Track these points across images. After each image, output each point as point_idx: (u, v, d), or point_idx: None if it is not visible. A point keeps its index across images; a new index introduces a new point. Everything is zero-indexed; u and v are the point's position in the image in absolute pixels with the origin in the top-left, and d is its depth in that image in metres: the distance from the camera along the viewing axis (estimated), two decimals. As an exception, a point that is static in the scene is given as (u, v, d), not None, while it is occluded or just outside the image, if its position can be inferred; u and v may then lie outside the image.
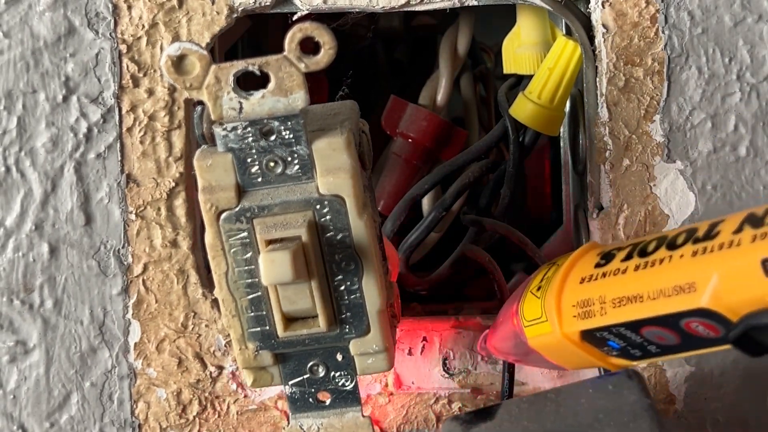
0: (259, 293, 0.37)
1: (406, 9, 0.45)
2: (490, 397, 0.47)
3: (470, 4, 0.45)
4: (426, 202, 0.54)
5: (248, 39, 0.58)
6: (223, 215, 0.36)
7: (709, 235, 0.31)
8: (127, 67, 0.45)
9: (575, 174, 0.53)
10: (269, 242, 0.35)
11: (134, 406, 0.47)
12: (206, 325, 0.46)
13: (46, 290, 0.46)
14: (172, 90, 0.45)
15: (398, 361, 0.47)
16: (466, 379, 0.47)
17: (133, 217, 0.46)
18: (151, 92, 0.45)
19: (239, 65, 0.34)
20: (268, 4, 0.45)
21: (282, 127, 0.35)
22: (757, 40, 0.44)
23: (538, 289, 0.38)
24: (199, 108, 0.36)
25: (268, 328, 0.37)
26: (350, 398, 0.39)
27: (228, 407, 0.47)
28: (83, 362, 0.47)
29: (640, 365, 0.37)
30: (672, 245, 0.33)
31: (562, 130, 0.55)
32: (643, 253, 0.34)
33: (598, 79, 0.45)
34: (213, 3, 0.45)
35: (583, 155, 0.49)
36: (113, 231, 0.46)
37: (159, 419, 0.47)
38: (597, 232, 0.46)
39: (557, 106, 0.49)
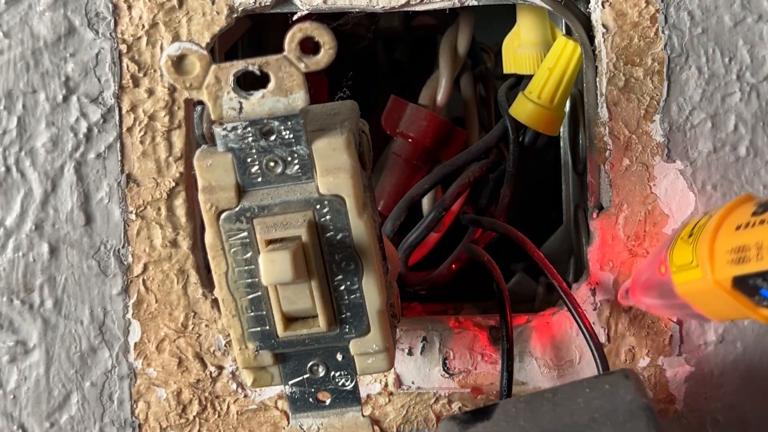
0: (259, 293, 0.37)
1: (406, 9, 0.45)
2: (490, 397, 0.47)
3: (470, 4, 0.45)
4: (426, 202, 0.54)
5: (248, 39, 0.58)
6: (223, 215, 0.36)
7: None
8: (127, 67, 0.45)
9: (575, 174, 0.53)
10: (269, 242, 0.35)
11: (134, 406, 0.47)
12: (206, 325, 0.46)
13: (46, 290, 0.46)
14: (172, 90, 0.45)
15: (398, 361, 0.47)
16: (466, 379, 0.47)
17: (133, 217, 0.46)
18: (151, 92, 0.45)
19: (239, 65, 0.34)
20: (268, 4, 0.45)
21: (282, 127, 0.35)
22: (757, 40, 0.44)
23: (690, 236, 0.37)
24: (199, 108, 0.36)
25: (268, 328, 0.37)
26: (350, 398, 0.39)
27: (228, 407, 0.47)
28: (83, 362, 0.47)
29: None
30: None
31: (562, 130, 0.55)
32: None
33: (598, 79, 0.45)
34: (213, 3, 0.45)
35: (583, 155, 0.49)
36: (113, 231, 0.46)
37: (159, 419, 0.47)
38: (597, 232, 0.46)
39: (557, 106, 0.49)
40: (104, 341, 0.47)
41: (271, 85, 0.34)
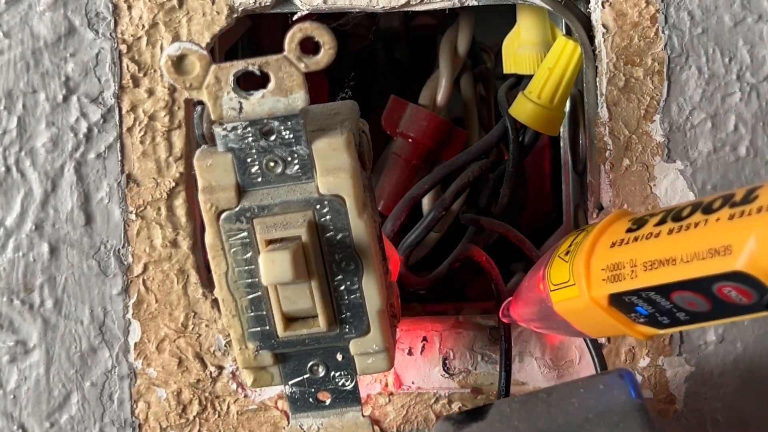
0: (259, 293, 0.37)
1: (406, 9, 0.45)
2: (490, 397, 0.47)
3: (470, 4, 0.45)
4: (426, 202, 0.54)
5: (248, 39, 0.58)
6: (223, 215, 0.36)
7: (747, 199, 0.31)
8: (127, 67, 0.45)
9: (575, 174, 0.53)
10: (269, 242, 0.35)
11: (134, 406, 0.47)
12: (206, 325, 0.46)
13: (46, 290, 0.46)
14: (172, 90, 0.45)
15: (398, 361, 0.47)
16: (466, 379, 0.47)
17: (133, 217, 0.46)
18: (151, 92, 0.45)
19: (239, 65, 0.34)
20: (268, 4, 0.45)
21: (282, 127, 0.35)
22: (757, 40, 0.44)
23: (567, 253, 0.37)
24: (199, 108, 0.36)
25: (268, 328, 0.37)
26: (350, 398, 0.39)
27: (228, 407, 0.47)
28: (83, 362, 0.47)
29: (666, 333, 0.36)
30: (708, 209, 0.32)
31: (562, 130, 0.55)
32: (678, 218, 0.33)
33: (598, 79, 0.45)
34: (213, 3, 0.45)
35: (583, 155, 0.49)
36: (113, 231, 0.46)
37: (159, 419, 0.47)
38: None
39: (557, 106, 0.49)
40: (104, 341, 0.47)
41: (271, 85, 0.34)
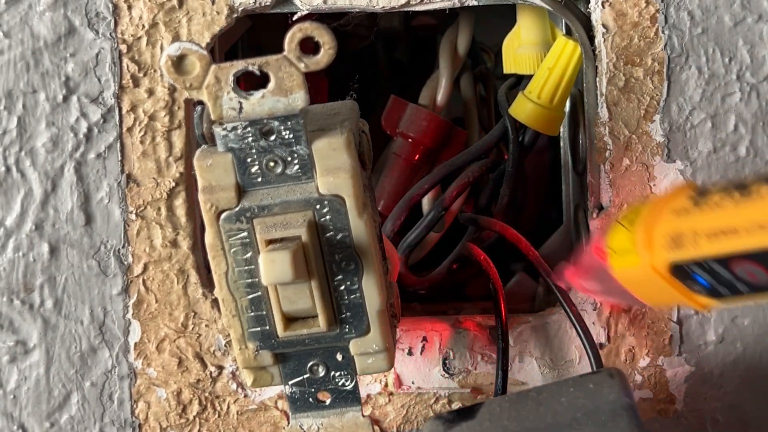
0: (259, 293, 0.37)
1: (406, 9, 0.45)
2: (490, 397, 0.47)
3: (470, 4, 0.45)
4: (426, 202, 0.54)
5: (248, 39, 0.58)
6: (223, 215, 0.36)
7: None
8: (127, 67, 0.45)
9: (575, 174, 0.53)
10: (269, 242, 0.35)
11: (134, 406, 0.47)
12: (206, 325, 0.46)
13: (46, 290, 0.46)
14: (172, 90, 0.45)
15: (398, 361, 0.47)
16: (466, 379, 0.47)
17: (133, 217, 0.46)
18: (151, 92, 0.45)
19: (239, 65, 0.34)
20: (268, 4, 0.45)
21: (282, 127, 0.35)
22: (757, 40, 0.44)
23: (629, 221, 0.37)
24: (199, 108, 0.36)
25: (268, 328, 0.37)
26: (350, 398, 0.39)
27: (228, 407, 0.47)
28: (83, 362, 0.47)
29: (725, 305, 0.35)
30: None
31: (562, 130, 0.55)
32: (741, 187, 0.32)
33: (598, 79, 0.45)
34: (213, 3, 0.45)
35: (583, 155, 0.49)
36: (113, 231, 0.46)
37: (159, 419, 0.47)
38: (597, 232, 0.46)
39: (557, 106, 0.49)
40: (104, 341, 0.47)
41: (271, 85, 0.34)
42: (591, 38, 0.45)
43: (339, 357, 0.38)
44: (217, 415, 0.47)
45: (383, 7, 0.45)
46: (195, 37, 0.45)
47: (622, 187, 0.45)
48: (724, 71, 0.45)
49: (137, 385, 0.47)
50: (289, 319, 0.37)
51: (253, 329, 0.37)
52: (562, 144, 0.57)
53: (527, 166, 0.54)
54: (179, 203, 0.46)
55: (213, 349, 0.47)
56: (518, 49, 0.50)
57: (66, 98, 0.45)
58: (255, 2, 0.45)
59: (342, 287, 0.37)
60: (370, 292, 0.37)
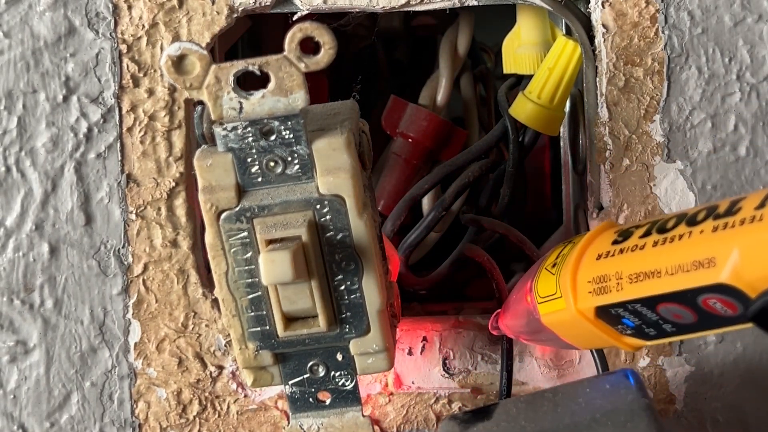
0: (259, 293, 0.37)
1: (406, 9, 0.45)
2: (490, 397, 0.47)
3: (470, 4, 0.45)
4: (426, 202, 0.54)
5: (248, 39, 0.58)
6: (223, 215, 0.36)
7: (731, 211, 0.31)
8: (128, 67, 0.45)
9: (575, 174, 0.53)
10: (269, 242, 0.35)
11: (134, 406, 0.47)
12: (206, 325, 0.46)
13: (46, 290, 0.46)
14: (172, 90, 0.45)
15: (398, 361, 0.47)
16: (466, 379, 0.47)
17: (133, 217, 0.46)
18: (151, 92, 0.45)
19: (239, 65, 0.34)
20: (268, 4, 0.45)
21: (282, 127, 0.35)
22: (757, 40, 0.44)
23: (554, 266, 0.37)
24: (199, 108, 0.36)
25: (268, 327, 0.37)
26: (350, 398, 0.39)
27: (228, 407, 0.47)
28: (83, 362, 0.47)
29: (653, 344, 0.36)
30: (692, 221, 0.32)
31: (562, 130, 0.55)
32: (662, 230, 0.33)
33: (598, 79, 0.45)
34: (213, 3, 0.45)
35: (583, 155, 0.49)
36: (113, 231, 0.46)
37: (159, 419, 0.47)
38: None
39: (557, 106, 0.49)
40: (104, 341, 0.47)
41: (271, 85, 0.34)
42: (591, 38, 0.45)
43: (339, 357, 0.38)
44: (217, 415, 0.47)
45: (383, 7, 0.45)
46: (195, 37, 0.45)
47: (622, 187, 0.45)
48: (724, 71, 0.45)
49: (137, 385, 0.47)
50: (289, 319, 0.37)
51: (253, 329, 0.37)
52: (562, 144, 0.57)
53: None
54: (179, 203, 0.46)
55: (213, 349, 0.47)
56: (518, 49, 0.50)
57: (66, 98, 0.45)
58: (255, 2, 0.45)
59: (342, 287, 0.37)
60: (370, 292, 0.37)
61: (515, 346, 0.46)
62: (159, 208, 0.46)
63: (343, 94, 0.59)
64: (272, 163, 0.35)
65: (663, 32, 0.44)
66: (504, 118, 0.50)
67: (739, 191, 0.45)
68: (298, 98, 0.34)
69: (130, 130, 0.45)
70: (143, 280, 0.46)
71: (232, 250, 0.36)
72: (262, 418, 0.47)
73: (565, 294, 0.36)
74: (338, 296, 0.37)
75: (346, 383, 0.39)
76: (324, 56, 0.34)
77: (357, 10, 0.45)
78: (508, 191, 0.51)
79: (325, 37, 0.34)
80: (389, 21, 0.59)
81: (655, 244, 0.33)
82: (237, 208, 0.36)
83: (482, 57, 0.60)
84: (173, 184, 0.46)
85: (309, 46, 0.34)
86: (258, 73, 0.34)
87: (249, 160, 0.35)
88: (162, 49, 0.45)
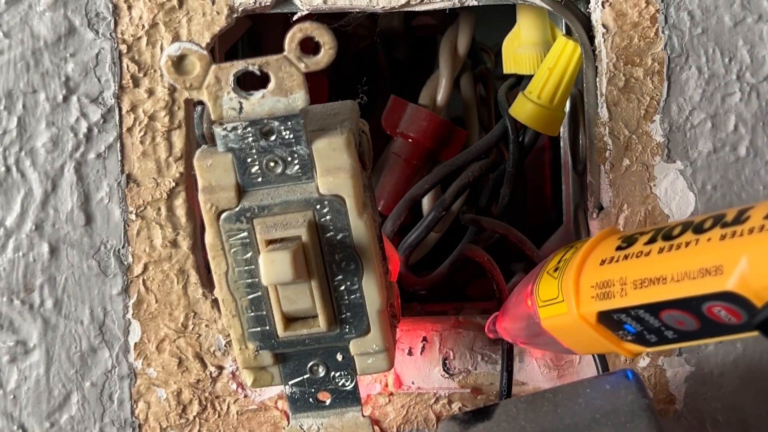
0: (259, 293, 0.37)
1: (406, 9, 0.45)
2: (490, 397, 0.47)
3: (470, 4, 0.45)
4: (426, 202, 0.54)
5: (248, 39, 0.58)
6: (223, 215, 0.36)
7: (739, 219, 0.31)
8: (127, 67, 0.45)
9: (575, 174, 0.53)
10: (269, 242, 0.35)
11: (134, 406, 0.47)
12: (206, 325, 0.46)
13: (46, 290, 0.46)
14: (172, 90, 0.45)
15: (398, 361, 0.47)
16: (466, 379, 0.47)
17: (133, 217, 0.46)
18: (151, 92, 0.45)
19: (239, 65, 0.34)
20: (268, 4, 0.45)
21: (282, 127, 0.35)
22: (757, 40, 0.44)
23: (555, 270, 0.37)
24: (199, 108, 0.36)
25: (268, 328, 0.37)
26: (350, 398, 0.39)
27: (228, 407, 0.47)
28: (83, 362, 0.47)
29: (654, 351, 0.36)
30: (699, 229, 0.32)
31: (562, 130, 0.55)
32: (668, 237, 0.33)
33: (598, 79, 0.45)
34: (213, 3, 0.45)
35: (583, 155, 0.49)
36: (113, 231, 0.46)
37: (159, 419, 0.47)
38: (597, 232, 0.46)
39: (557, 106, 0.49)
40: (104, 341, 0.47)
41: (271, 85, 0.34)
42: (591, 38, 0.45)
43: (339, 357, 0.38)
44: (217, 416, 0.47)
45: (383, 7, 0.45)
46: (195, 37, 0.45)
47: (622, 187, 0.45)
48: (724, 71, 0.45)
49: (137, 385, 0.47)
50: (289, 319, 0.37)
51: (253, 329, 0.37)
52: (562, 144, 0.57)
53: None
54: (179, 203, 0.46)
55: (213, 350, 0.47)
56: (518, 49, 0.50)
57: (66, 98, 0.45)
58: (255, 2, 0.45)
59: (342, 287, 0.37)
60: (370, 292, 0.37)
61: (515, 347, 0.46)
62: (159, 208, 0.46)
63: (343, 94, 0.59)
64: (272, 163, 0.35)
65: (663, 32, 0.44)
66: (504, 118, 0.50)
67: (739, 191, 0.45)
68: (298, 98, 0.34)
69: (130, 130, 0.45)
70: (143, 281, 0.46)
71: (232, 251, 0.36)
72: (262, 419, 0.47)
73: (567, 298, 0.36)
74: (338, 296, 0.37)
75: (346, 383, 0.39)
76: (324, 56, 0.34)
77: (357, 10, 0.45)
78: (508, 191, 0.51)
79: (325, 37, 0.34)
80: (389, 21, 0.59)
81: (661, 250, 0.33)
82: (237, 209, 0.36)
83: (482, 57, 0.60)
84: (173, 184, 0.46)
85: (309, 46, 0.34)
86: (258, 73, 0.34)
87: (249, 160, 0.35)
88: (162, 49, 0.45)
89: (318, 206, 0.35)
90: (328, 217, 0.36)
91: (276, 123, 0.35)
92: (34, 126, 0.45)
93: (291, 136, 0.35)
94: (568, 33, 0.49)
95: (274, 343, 0.37)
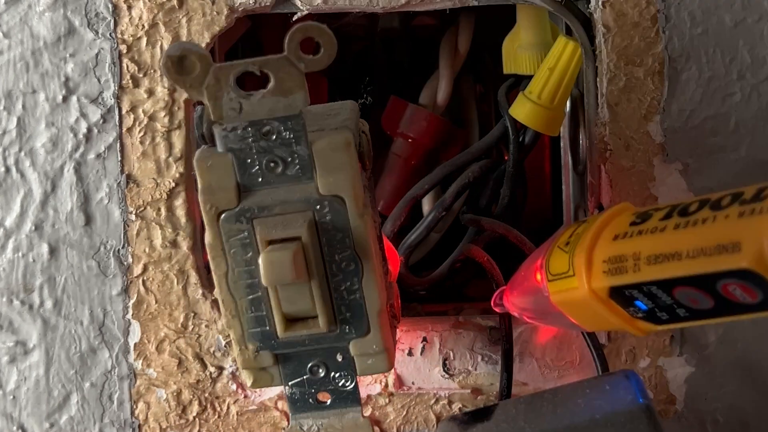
0: (259, 294, 0.37)
1: (406, 9, 0.45)
2: (490, 398, 0.47)
3: (470, 4, 0.45)
4: (426, 202, 0.54)
5: (248, 39, 0.58)
6: (223, 215, 0.36)
7: (758, 197, 0.30)
8: (127, 67, 0.45)
9: (575, 174, 0.53)
10: (269, 242, 0.35)
11: (134, 407, 0.47)
12: (206, 326, 0.46)
13: (46, 290, 0.46)
14: (172, 90, 0.45)
15: (398, 362, 0.47)
16: (466, 379, 0.47)
17: (133, 217, 0.46)
18: (151, 92, 0.45)
19: (239, 65, 0.34)
20: (268, 4, 0.45)
21: (282, 127, 0.35)
22: (757, 40, 0.44)
23: (567, 244, 0.37)
24: (199, 108, 0.36)
25: (268, 328, 0.37)
26: (350, 399, 0.39)
27: (228, 408, 0.47)
28: (83, 362, 0.47)
29: (664, 329, 0.36)
30: (716, 206, 0.31)
31: (562, 130, 0.55)
32: (684, 213, 0.32)
33: (598, 79, 0.45)
34: (213, 3, 0.45)
35: (583, 155, 0.49)
36: (113, 231, 0.46)
37: (159, 420, 0.47)
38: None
39: (557, 106, 0.49)
40: (104, 342, 0.47)
41: (271, 86, 0.34)
42: (591, 38, 0.45)
43: (339, 358, 0.38)
44: (217, 416, 0.47)
45: (383, 7, 0.45)
46: (195, 37, 0.45)
47: (622, 188, 0.45)
48: (725, 71, 0.45)
49: (137, 385, 0.47)
50: (289, 320, 0.37)
51: (253, 330, 0.37)
52: (562, 144, 0.57)
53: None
54: (179, 203, 0.46)
55: (213, 350, 0.47)
56: (518, 49, 0.50)
57: (66, 98, 0.45)
58: (255, 2, 0.45)
59: (342, 288, 0.37)
60: (370, 293, 0.37)
61: (515, 347, 0.46)
62: (159, 209, 0.46)
63: (343, 94, 0.59)
64: (272, 164, 0.35)
65: (663, 32, 0.44)
66: (504, 118, 0.50)
67: (740, 191, 0.45)
68: (298, 98, 0.34)
69: (129, 130, 0.45)
70: (143, 281, 0.46)
71: (232, 251, 0.36)
72: (261, 419, 0.47)
73: (578, 273, 0.35)
74: (338, 297, 0.37)
75: (346, 384, 0.39)
76: (324, 56, 0.34)
77: (357, 10, 0.45)
78: (508, 191, 0.51)
79: (325, 37, 0.33)
80: (389, 21, 0.59)
81: (677, 226, 0.32)
82: (237, 209, 0.36)
83: (482, 57, 0.60)
84: (173, 184, 0.46)
85: (309, 46, 0.34)
86: (258, 73, 0.34)
87: (249, 160, 0.35)
88: (162, 49, 0.45)
89: (318, 206, 0.35)
90: (328, 218, 0.36)
91: (276, 123, 0.34)
92: (34, 126, 0.45)
93: (291, 136, 0.35)
94: (568, 33, 0.49)
95: (274, 344, 0.37)
